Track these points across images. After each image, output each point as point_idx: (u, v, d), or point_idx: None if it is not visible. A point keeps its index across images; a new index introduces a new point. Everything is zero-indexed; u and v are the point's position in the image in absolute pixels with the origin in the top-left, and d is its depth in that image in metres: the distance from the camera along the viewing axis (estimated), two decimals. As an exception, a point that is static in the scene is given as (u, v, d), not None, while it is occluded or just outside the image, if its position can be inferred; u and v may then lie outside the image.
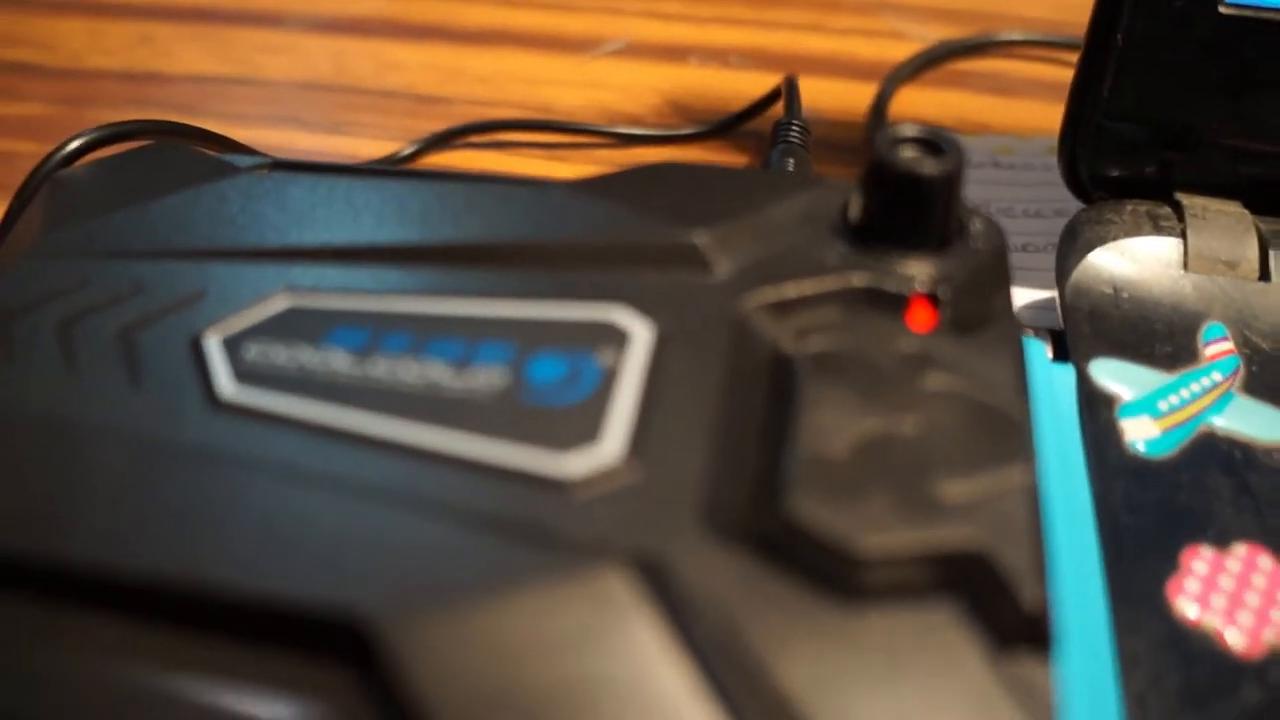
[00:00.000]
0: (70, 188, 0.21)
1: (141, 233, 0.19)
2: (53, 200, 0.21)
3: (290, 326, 0.17)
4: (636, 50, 0.37)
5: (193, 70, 0.38)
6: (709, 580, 0.13)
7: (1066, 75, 0.25)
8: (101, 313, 0.18)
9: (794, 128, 0.24)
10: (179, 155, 0.22)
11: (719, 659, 0.12)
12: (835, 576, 0.13)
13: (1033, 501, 0.14)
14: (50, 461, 0.15)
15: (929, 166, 0.17)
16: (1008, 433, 0.15)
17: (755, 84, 0.33)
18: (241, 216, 0.19)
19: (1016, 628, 0.13)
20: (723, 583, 0.13)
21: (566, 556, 0.13)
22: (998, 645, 0.13)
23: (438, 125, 0.33)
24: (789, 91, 0.26)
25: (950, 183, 0.17)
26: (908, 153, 0.17)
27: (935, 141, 0.18)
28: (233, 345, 0.17)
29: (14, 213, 0.23)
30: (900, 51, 0.36)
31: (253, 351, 0.17)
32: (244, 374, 0.16)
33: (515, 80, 0.36)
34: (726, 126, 0.31)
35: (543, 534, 0.14)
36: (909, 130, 0.18)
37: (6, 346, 0.17)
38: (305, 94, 0.36)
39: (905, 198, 0.17)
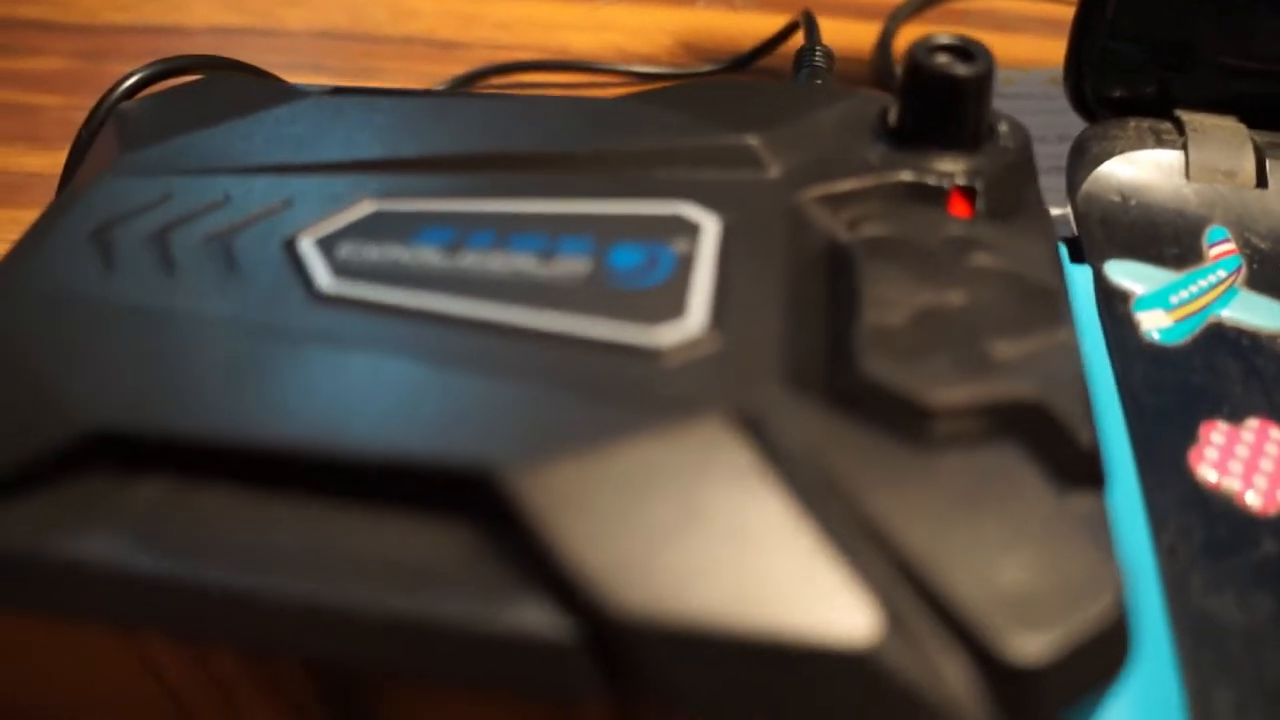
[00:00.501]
0: (138, 117, 0.22)
1: (219, 152, 0.20)
2: (123, 128, 0.22)
3: (378, 228, 0.18)
4: (645, -5, 0.39)
5: (210, 22, 0.39)
6: (796, 429, 0.15)
7: (1058, 11, 0.27)
8: (193, 222, 0.19)
9: (817, 53, 0.25)
10: (240, 84, 0.23)
11: (813, 493, 0.14)
12: (908, 426, 0.15)
13: (1077, 357, 0.16)
14: (170, 351, 0.16)
15: (962, 69, 0.19)
16: (1049, 300, 0.16)
17: (761, 24, 0.34)
18: (315, 134, 0.20)
19: (1074, 466, 0.15)
20: (809, 432, 0.15)
21: (668, 412, 0.15)
22: (1059, 481, 0.14)
23: (458, 69, 0.34)
24: (808, 22, 0.28)
25: (982, 84, 0.19)
26: (942, 58, 0.19)
27: (966, 48, 0.19)
28: (326, 245, 0.18)
29: (82, 143, 0.24)
30: (898, -9, 0.37)
31: (345, 250, 0.18)
32: (340, 270, 0.17)
33: (531, 25, 0.37)
34: (742, 63, 0.33)
35: (644, 395, 0.15)
36: (942, 39, 0.19)
37: (105, 255, 0.18)
38: (324, 42, 0.37)
39: (941, 99, 0.19)
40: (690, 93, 0.20)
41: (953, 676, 0.13)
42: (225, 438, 0.15)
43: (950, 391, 0.15)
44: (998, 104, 0.31)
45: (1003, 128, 0.20)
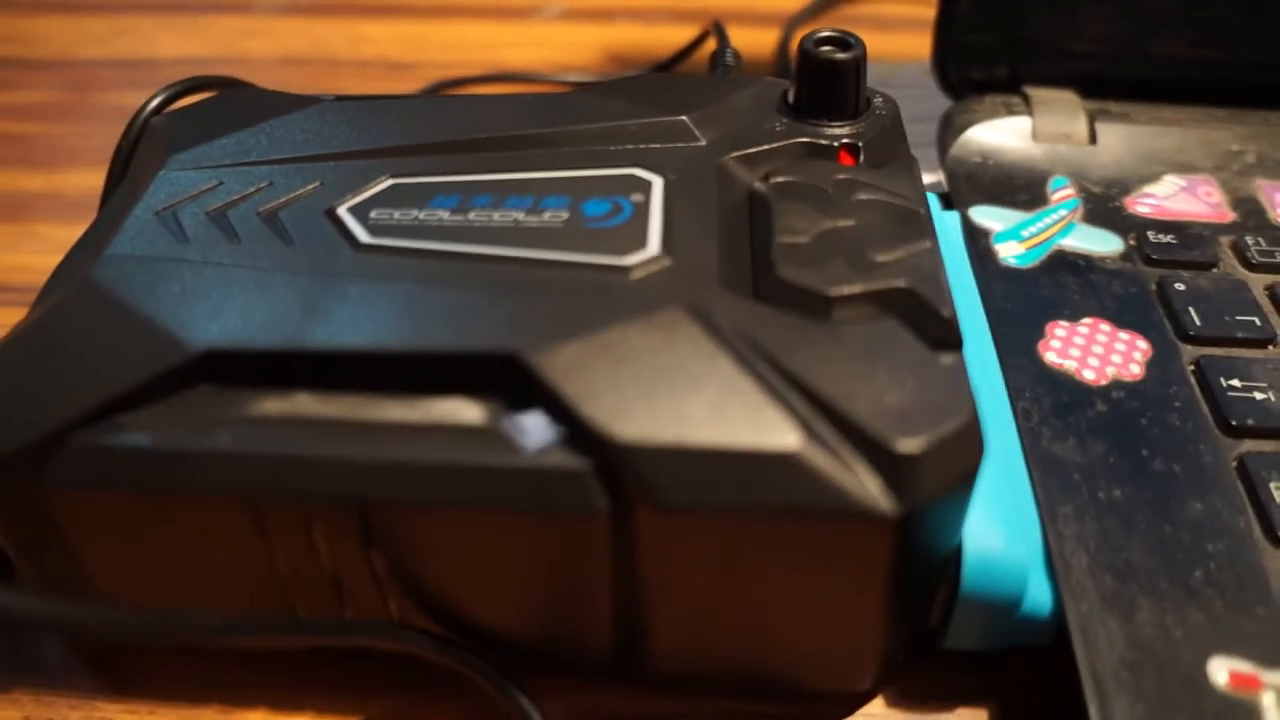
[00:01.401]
0: (173, 126, 0.27)
1: (253, 148, 0.25)
2: (160, 136, 0.26)
3: (398, 197, 0.23)
4: (571, 15, 0.44)
5: (178, 54, 0.43)
6: (733, 317, 0.20)
7: (931, 13, 0.33)
8: (245, 201, 0.23)
9: (728, 54, 0.31)
10: (254, 97, 0.28)
11: (749, 357, 0.19)
12: (815, 312, 0.20)
13: (938, 259, 0.21)
14: (251, 295, 0.21)
15: (841, 55, 0.24)
16: (916, 221, 0.22)
17: (674, 35, 0.40)
18: (332, 131, 0.25)
19: (939, 332, 0.20)
20: (743, 318, 0.20)
21: (640, 309, 0.20)
22: (928, 343, 0.20)
23: (413, 86, 0.39)
24: (718, 30, 0.33)
25: (858, 66, 0.24)
26: (826, 47, 0.24)
27: (845, 39, 0.24)
28: (358, 212, 0.23)
29: (122, 153, 0.28)
30: (797, 2, 0.43)
31: (375, 214, 0.23)
32: (373, 229, 0.22)
33: (473, 45, 0.42)
34: (662, 68, 0.38)
35: (621, 299, 0.20)
36: (825, 32, 0.25)
37: (177, 229, 0.23)
38: (288, 68, 0.42)
39: (826, 79, 0.24)
40: (632, 85, 0.26)
41: (858, 470, 0.18)
42: (308, 349, 0.20)
43: (844, 285, 0.20)
44: (879, 88, 0.37)
45: (877, 100, 0.25)
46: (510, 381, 0.19)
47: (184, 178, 0.24)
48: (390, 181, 0.23)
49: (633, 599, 0.20)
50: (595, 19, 0.43)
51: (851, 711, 0.22)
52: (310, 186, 0.24)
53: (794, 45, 0.41)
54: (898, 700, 0.22)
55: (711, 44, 0.36)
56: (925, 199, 0.23)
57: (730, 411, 0.18)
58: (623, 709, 0.22)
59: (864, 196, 0.22)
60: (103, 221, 0.24)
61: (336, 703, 0.22)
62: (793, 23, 0.41)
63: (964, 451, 0.18)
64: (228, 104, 0.28)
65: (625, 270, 0.21)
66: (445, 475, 0.19)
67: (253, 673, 0.23)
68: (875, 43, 0.43)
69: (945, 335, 0.20)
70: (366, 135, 0.25)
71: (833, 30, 0.25)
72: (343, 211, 0.23)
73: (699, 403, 0.18)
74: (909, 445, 0.18)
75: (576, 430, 0.18)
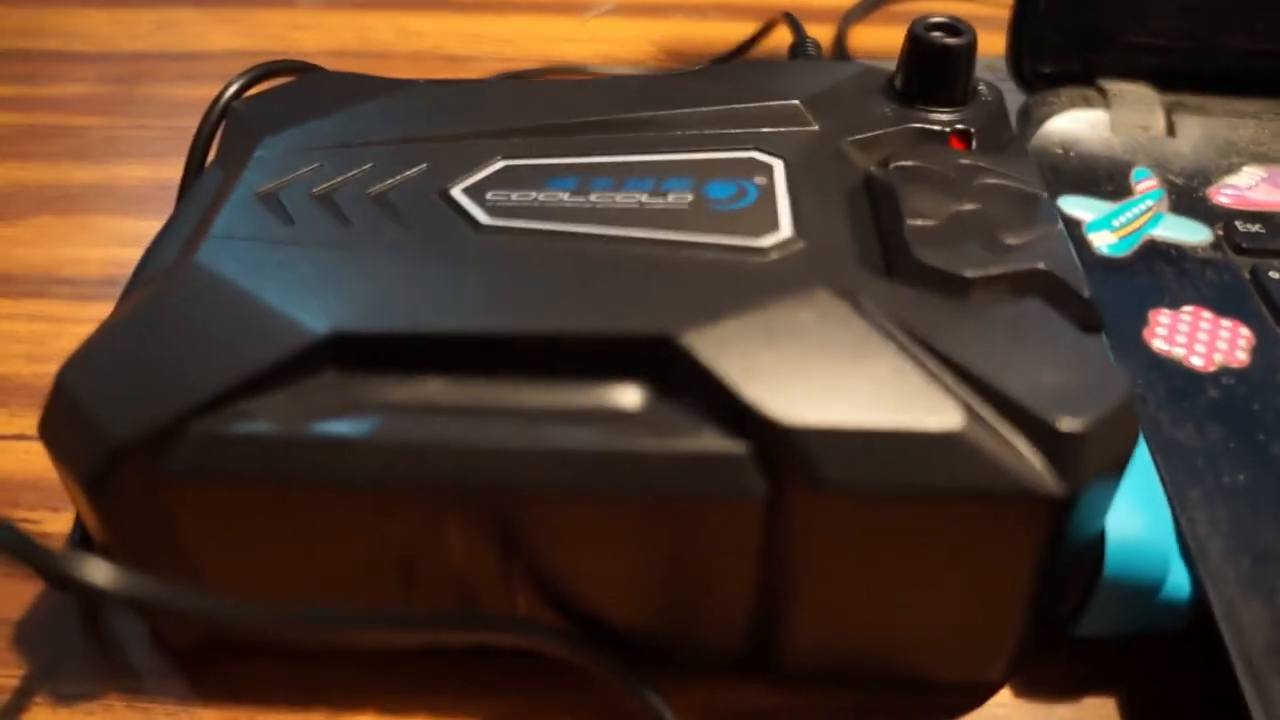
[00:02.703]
0: (257, 110, 0.26)
1: (350, 131, 0.25)
2: (249, 120, 0.26)
3: (514, 179, 0.23)
4: (625, 9, 0.44)
5: (228, 48, 0.43)
6: (878, 298, 0.19)
7: (987, 10, 0.33)
8: (347, 184, 0.23)
9: (808, 44, 0.30)
10: (341, 79, 0.27)
11: (901, 338, 0.19)
12: (955, 293, 0.20)
13: (1067, 242, 0.21)
14: (372, 277, 0.20)
15: (952, 40, 0.24)
16: (1039, 204, 0.22)
17: (729, 31, 0.40)
18: (429, 113, 0.25)
19: (1080, 313, 0.20)
20: (887, 300, 0.19)
21: (784, 289, 0.19)
22: (1071, 323, 0.20)
23: (472, 77, 0.39)
24: (791, 21, 0.33)
25: (969, 52, 0.24)
26: (936, 33, 0.24)
27: (955, 25, 0.24)
28: (474, 193, 0.22)
29: (203, 138, 0.28)
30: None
31: (492, 195, 0.22)
32: (492, 210, 0.22)
33: (531, 39, 0.42)
34: (721, 62, 0.38)
35: (762, 279, 0.20)
36: (936, 18, 0.25)
37: (281, 212, 0.22)
38: (339, 61, 0.41)
39: (937, 65, 0.24)
40: (737, 69, 0.26)
41: (1022, 449, 0.18)
42: (440, 332, 0.19)
43: (983, 267, 0.20)
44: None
45: (982, 87, 0.25)
46: (662, 363, 0.19)
47: (282, 160, 0.24)
48: (503, 163, 0.23)
49: (776, 588, 0.19)
50: (649, 13, 0.43)
51: (980, 703, 0.22)
52: (417, 169, 0.23)
53: (850, 43, 0.41)
54: (1025, 690, 0.22)
55: (776, 37, 0.36)
56: (1043, 184, 0.23)
57: (890, 391, 0.18)
58: (748, 703, 0.22)
59: (987, 181, 0.22)
60: (192, 207, 0.23)
61: (451, 704, 0.22)
62: (847, 18, 0.41)
63: (1122, 432, 0.18)
64: (312, 88, 0.27)
65: (763, 251, 0.20)
66: (595, 461, 0.18)
67: (361, 674, 0.22)
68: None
69: (1086, 317, 0.20)
70: (470, 117, 0.25)
71: (943, 16, 0.25)
72: (457, 193, 0.22)
73: (858, 383, 0.18)
74: (1072, 424, 0.17)
75: (733, 412, 0.18)
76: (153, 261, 0.23)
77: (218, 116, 0.28)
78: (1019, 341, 0.19)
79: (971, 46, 0.24)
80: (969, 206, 0.21)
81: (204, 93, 0.28)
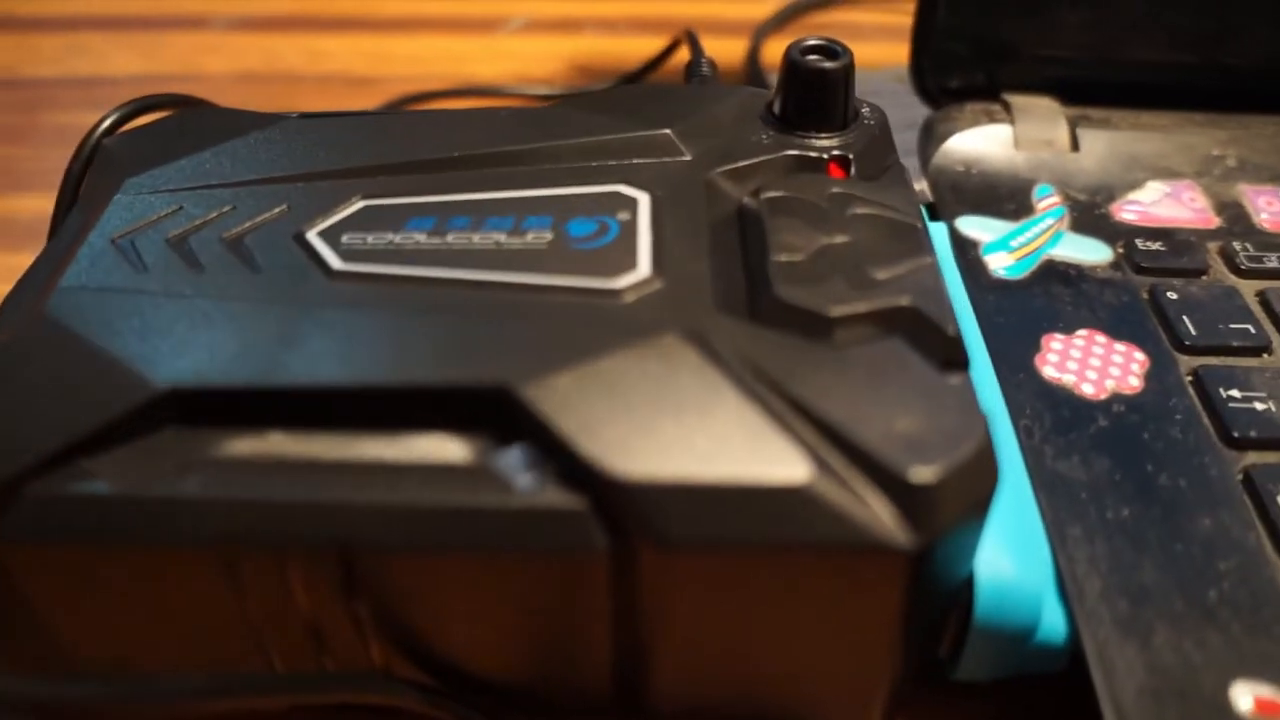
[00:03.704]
0: (126, 148, 0.25)
1: (214, 170, 0.24)
2: (115, 159, 0.25)
3: (371, 220, 0.22)
4: (537, 26, 0.43)
5: (133, 72, 0.42)
6: (732, 340, 0.19)
7: (901, 21, 0.32)
8: (205, 228, 0.22)
9: (704, 64, 0.30)
10: (212, 116, 0.26)
11: (751, 383, 0.18)
12: (816, 333, 0.19)
13: (939, 275, 0.20)
14: (217, 327, 0.20)
15: (829, 64, 0.23)
16: (913, 235, 0.21)
17: (643, 47, 0.39)
18: (297, 150, 0.24)
19: (944, 351, 0.19)
20: (742, 342, 0.19)
21: (634, 333, 0.19)
22: (934, 362, 0.19)
23: (375, 102, 0.38)
24: (691, 40, 0.32)
25: (846, 75, 0.23)
26: (813, 56, 0.23)
27: (832, 47, 0.24)
28: (329, 236, 0.21)
29: (73, 177, 0.27)
30: (766, 9, 0.42)
31: (347, 238, 0.21)
32: (345, 254, 0.21)
33: (438, 58, 0.41)
34: (631, 79, 0.37)
35: (613, 323, 0.19)
36: (812, 41, 0.24)
37: (135, 258, 0.22)
38: (244, 85, 0.41)
39: (814, 89, 0.23)
40: (612, 97, 0.25)
41: (872, 501, 0.17)
42: (281, 385, 0.19)
43: (846, 305, 0.19)
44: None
45: (865, 110, 0.25)
46: (500, 416, 0.18)
47: (141, 202, 0.23)
48: (362, 203, 0.22)
49: (635, 638, 0.19)
50: (561, 30, 0.43)
51: (860, 746, 0.21)
52: (277, 210, 0.22)
53: (763, 55, 0.40)
54: (906, 732, 0.21)
55: (682, 54, 0.36)
56: (921, 212, 0.22)
57: (735, 442, 0.17)
58: (620, 750, 0.21)
59: (859, 211, 0.22)
60: (54, 251, 0.23)
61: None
62: (760, 32, 0.40)
63: (979, 478, 0.18)
64: (185, 124, 0.26)
65: (616, 293, 0.20)
66: (434, 517, 0.17)
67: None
68: (847, 51, 0.42)
69: (951, 354, 0.19)
70: (335, 154, 0.24)
71: (819, 38, 0.24)
72: (313, 236, 0.22)
73: (702, 434, 0.17)
74: (924, 474, 0.17)
75: (573, 466, 0.17)
76: (6, 312, 0.22)
77: (88, 155, 0.27)
78: (876, 385, 0.18)
79: (848, 70, 0.23)
80: (839, 239, 0.21)
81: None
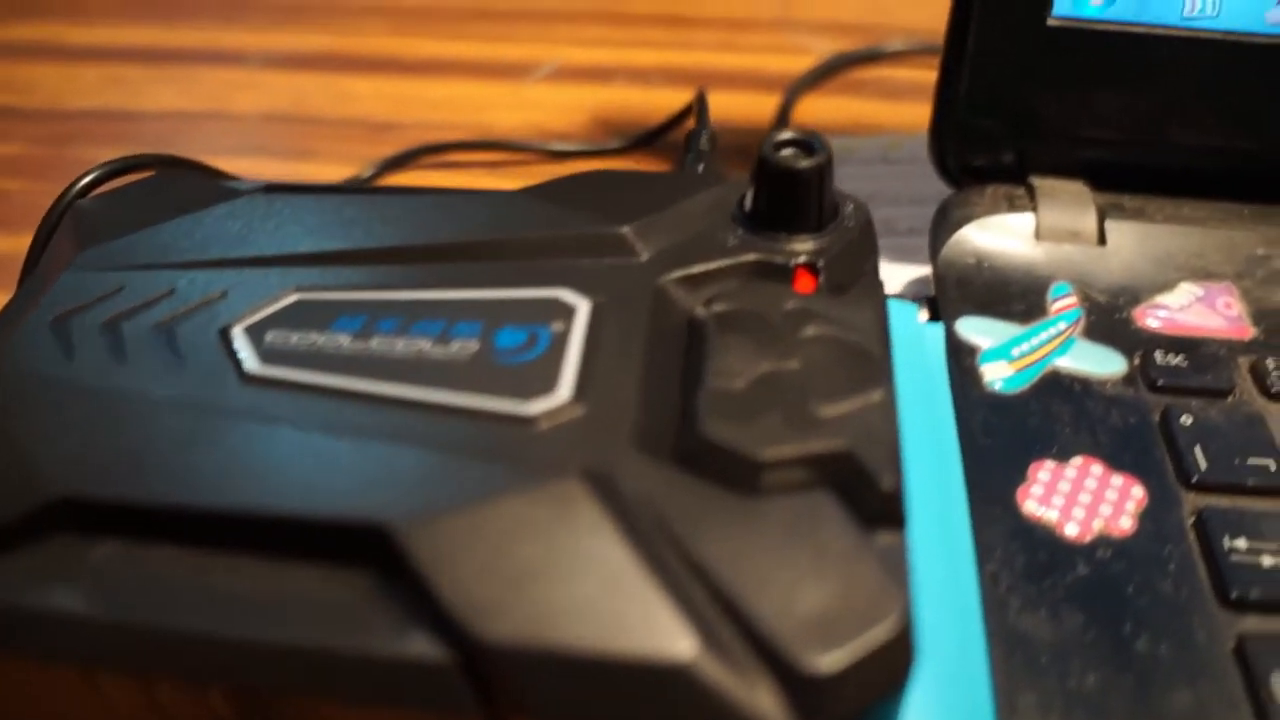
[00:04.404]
0: (93, 214, 0.25)
1: (165, 248, 0.23)
2: (80, 225, 0.25)
3: (300, 317, 0.21)
4: (566, 73, 0.42)
5: (165, 107, 0.42)
6: (642, 485, 0.17)
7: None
8: (140, 313, 0.21)
9: (704, 136, 0.28)
10: (185, 183, 0.26)
11: (650, 538, 0.17)
12: (739, 479, 0.17)
13: (890, 414, 0.19)
14: (123, 428, 0.19)
15: (803, 162, 0.22)
16: (870, 364, 0.19)
17: (673, 99, 0.38)
18: (250, 230, 0.23)
19: (877, 508, 0.17)
20: (653, 486, 0.17)
21: (535, 472, 0.17)
22: (863, 521, 0.17)
23: (392, 149, 0.37)
24: (699, 105, 0.31)
25: (820, 174, 0.22)
26: (786, 153, 0.22)
27: (808, 142, 0.22)
28: (254, 333, 0.21)
29: (41, 239, 0.26)
30: (802, 64, 0.40)
31: (271, 336, 0.20)
32: (266, 355, 0.20)
33: (460, 105, 0.40)
34: (647, 140, 0.36)
35: (516, 458, 0.18)
36: (786, 134, 0.22)
37: (65, 343, 0.21)
38: (269, 125, 0.40)
39: (786, 189, 0.22)
40: (575, 185, 0.23)
41: (761, 687, 0.15)
42: (168, 503, 0.18)
43: (776, 448, 0.18)
44: (884, 168, 0.35)
45: (848, 208, 0.23)
46: (382, 556, 0.17)
47: (88, 280, 0.23)
48: (295, 296, 0.21)
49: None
50: (590, 78, 0.41)
51: None
52: (213, 296, 0.22)
53: (796, 113, 0.38)
54: None
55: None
56: (886, 333, 0.20)
57: (617, 609, 0.16)
58: None
59: (814, 331, 0.20)
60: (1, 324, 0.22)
61: None
62: (794, 89, 0.39)
63: (889, 664, 0.16)
64: (156, 191, 0.26)
65: (528, 421, 0.18)
66: (296, 658, 0.16)
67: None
68: (882, 112, 0.40)
69: (886, 510, 0.17)
70: (284, 237, 0.23)
71: (796, 131, 0.22)
72: (238, 332, 0.21)
73: (582, 597, 0.16)
74: (819, 664, 0.15)
75: (443, 622, 0.16)
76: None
77: (57, 219, 0.26)
78: (790, 547, 0.17)
79: (824, 168, 0.22)
80: (786, 365, 0.19)
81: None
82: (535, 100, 0.40)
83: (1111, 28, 0.28)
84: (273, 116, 0.41)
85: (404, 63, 0.43)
